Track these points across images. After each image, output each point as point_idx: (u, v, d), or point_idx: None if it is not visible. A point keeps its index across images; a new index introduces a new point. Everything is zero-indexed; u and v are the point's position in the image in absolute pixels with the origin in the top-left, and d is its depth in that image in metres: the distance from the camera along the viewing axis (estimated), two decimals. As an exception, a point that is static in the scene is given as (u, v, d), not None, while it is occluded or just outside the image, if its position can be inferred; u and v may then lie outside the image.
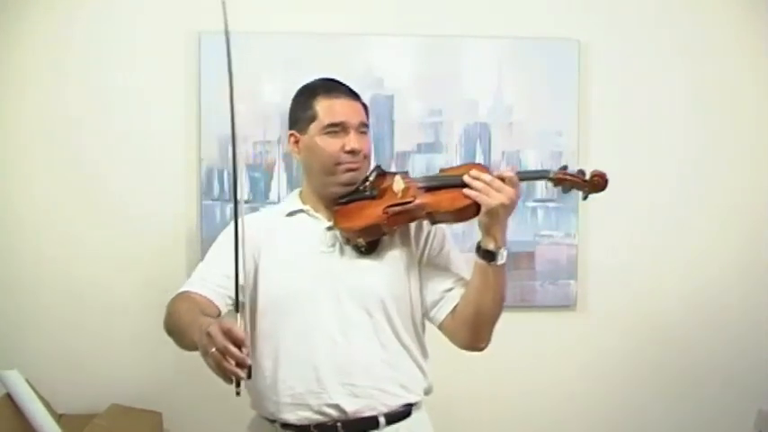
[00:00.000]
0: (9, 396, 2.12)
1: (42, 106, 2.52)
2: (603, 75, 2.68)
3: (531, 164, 2.62)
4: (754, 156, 2.75)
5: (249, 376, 1.46)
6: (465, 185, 1.64)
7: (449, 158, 2.59)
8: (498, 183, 1.62)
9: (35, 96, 2.52)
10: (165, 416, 2.47)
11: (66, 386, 2.45)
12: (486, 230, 1.64)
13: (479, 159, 2.59)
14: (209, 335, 1.44)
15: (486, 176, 1.63)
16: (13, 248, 2.52)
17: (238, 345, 1.42)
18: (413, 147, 2.59)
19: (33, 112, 2.52)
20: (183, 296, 1.75)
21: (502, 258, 1.65)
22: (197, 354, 1.42)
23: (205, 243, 2.51)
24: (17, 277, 2.52)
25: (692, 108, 2.72)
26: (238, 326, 1.48)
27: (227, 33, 1.55)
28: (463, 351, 1.79)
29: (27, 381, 2.17)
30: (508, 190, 1.61)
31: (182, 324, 1.63)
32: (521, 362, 2.60)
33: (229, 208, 2.55)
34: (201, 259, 2.49)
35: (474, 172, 1.65)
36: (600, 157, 2.59)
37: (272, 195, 2.56)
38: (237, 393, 1.46)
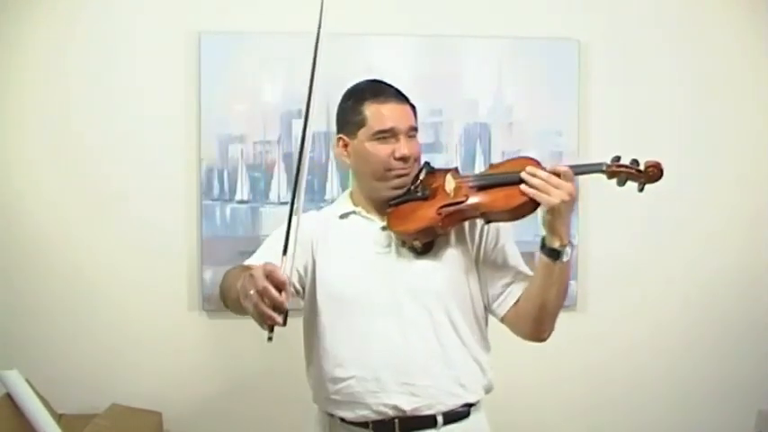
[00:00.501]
0: (9, 396, 2.12)
1: (42, 106, 2.52)
2: (603, 75, 2.68)
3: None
4: (754, 156, 2.75)
5: (285, 323, 1.42)
6: (519, 183, 1.62)
7: (449, 158, 2.59)
8: (555, 179, 1.59)
9: (35, 96, 2.52)
10: (164, 416, 2.47)
11: (66, 386, 2.45)
12: (551, 228, 1.62)
13: (479, 159, 2.59)
14: (251, 276, 1.43)
15: (543, 173, 1.61)
16: (13, 248, 2.52)
17: (279, 288, 1.40)
18: (413, 147, 2.59)
19: (33, 113, 2.52)
20: (239, 266, 1.73)
21: (567, 256, 1.63)
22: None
23: (205, 243, 2.52)
24: (17, 277, 2.52)
25: (692, 108, 2.72)
26: (282, 270, 1.44)
27: (318, 32, 1.61)
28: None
29: (27, 381, 2.17)
30: (567, 185, 1.59)
31: (230, 281, 1.62)
32: (520, 362, 2.60)
33: (230, 208, 2.55)
34: (201, 259, 2.52)
35: (531, 168, 1.62)
36: (600, 157, 2.56)
37: (272, 195, 2.56)
38: (269, 339, 1.42)
